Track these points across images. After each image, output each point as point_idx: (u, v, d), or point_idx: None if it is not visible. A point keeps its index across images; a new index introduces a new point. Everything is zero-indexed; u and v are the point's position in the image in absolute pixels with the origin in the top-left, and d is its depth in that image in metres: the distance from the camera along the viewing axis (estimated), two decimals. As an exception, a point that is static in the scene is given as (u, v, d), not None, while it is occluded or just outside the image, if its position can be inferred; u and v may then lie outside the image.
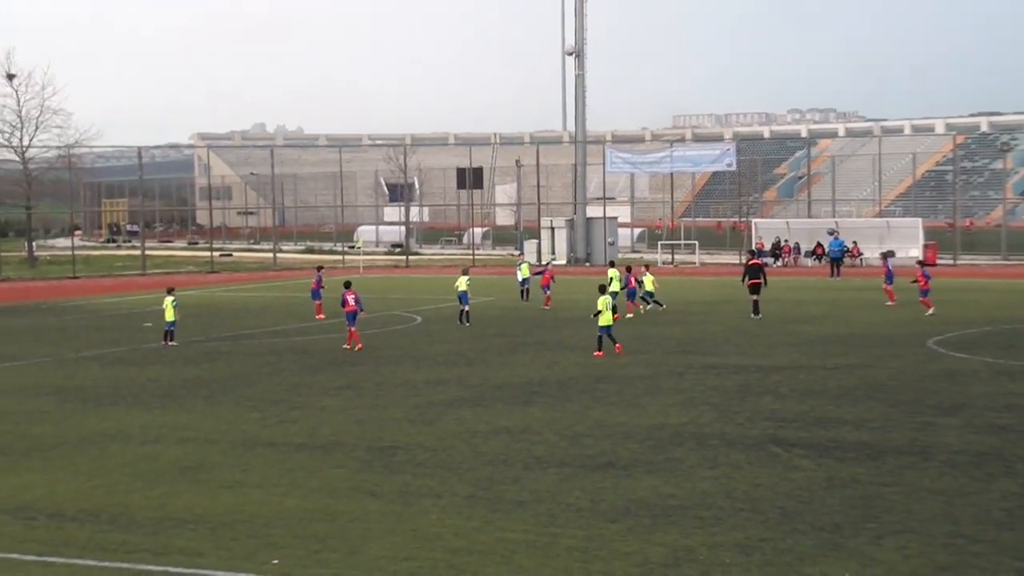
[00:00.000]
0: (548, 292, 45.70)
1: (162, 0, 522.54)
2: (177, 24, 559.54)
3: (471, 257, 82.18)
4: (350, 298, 33.13)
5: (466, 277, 40.54)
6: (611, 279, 40.19)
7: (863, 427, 20.96)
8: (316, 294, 42.38)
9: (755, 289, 39.97)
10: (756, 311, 39.60)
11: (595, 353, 30.69)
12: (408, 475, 17.74)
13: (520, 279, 49.42)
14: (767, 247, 74.54)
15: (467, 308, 39.61)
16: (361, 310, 33.58)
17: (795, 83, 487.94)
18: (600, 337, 30.95)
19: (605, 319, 30.76)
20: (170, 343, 34.46)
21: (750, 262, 42.00)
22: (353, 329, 33.09)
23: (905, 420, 21.52)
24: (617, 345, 31.00)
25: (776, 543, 14.01)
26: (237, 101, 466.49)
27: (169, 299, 35.03)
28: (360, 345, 32.82)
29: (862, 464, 18.04)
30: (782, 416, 22.10)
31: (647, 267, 45.43)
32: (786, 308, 43.07)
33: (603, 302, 30.82)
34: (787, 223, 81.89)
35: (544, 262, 68.92)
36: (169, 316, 34.77)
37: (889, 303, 42.96)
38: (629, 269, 43.22)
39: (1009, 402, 23.29)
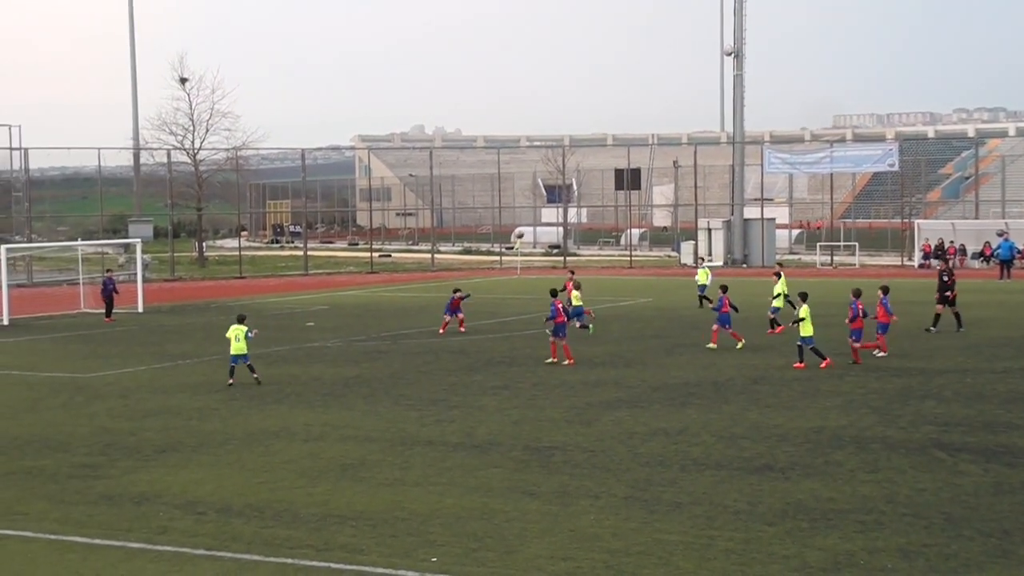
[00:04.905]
0: None
1: (322, 6, 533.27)
2: (337, 29, 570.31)
3: (628, 258, 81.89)
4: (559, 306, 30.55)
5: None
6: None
7: (1032, 433, 20.39)
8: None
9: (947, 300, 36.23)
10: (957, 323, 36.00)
11: (795, 365, 28.74)
12: (565, 475, 17.82)
13: (699, 284, 45.81)
14: (931, 249, 72.89)
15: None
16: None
17: (961, 82, 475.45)
18: (800, 347, 28.90)
19: (807, 329, 28.72)
20: (230, 381, 27.36)
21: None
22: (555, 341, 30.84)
23: (1077, 426, 20.88)
24: (826, 360, 28.63)
25: (940, 549, 13.72)
26: (397, 104, 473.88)
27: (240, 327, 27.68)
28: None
29: (1032, 471, 17.55)
30: (947, 420, 21.62)
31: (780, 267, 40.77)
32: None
33: (805, 310, 28.90)
34: (952, 224, 79.93)
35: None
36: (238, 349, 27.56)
37: None
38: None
39: None
